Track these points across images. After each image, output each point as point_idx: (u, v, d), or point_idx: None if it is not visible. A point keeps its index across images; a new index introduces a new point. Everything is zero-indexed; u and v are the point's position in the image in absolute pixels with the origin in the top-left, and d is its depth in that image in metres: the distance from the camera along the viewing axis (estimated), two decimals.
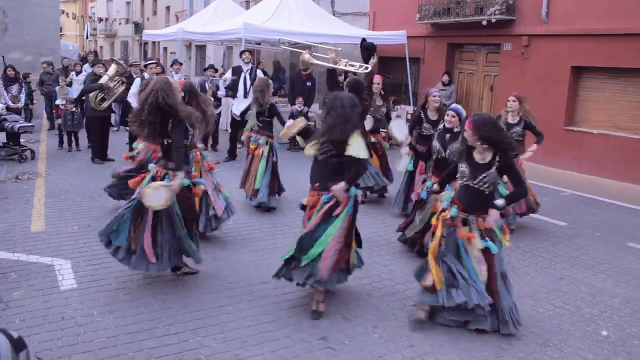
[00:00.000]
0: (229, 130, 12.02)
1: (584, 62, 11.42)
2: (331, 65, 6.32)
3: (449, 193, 4.97)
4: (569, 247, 6.88)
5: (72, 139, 11.84)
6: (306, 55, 6.34)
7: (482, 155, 4.51)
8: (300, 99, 13.25)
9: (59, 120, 11.84)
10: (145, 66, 10.86)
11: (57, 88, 12.42)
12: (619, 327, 4.86)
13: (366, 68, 6.41)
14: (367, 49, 6.55)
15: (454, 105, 6.45)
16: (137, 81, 10.42)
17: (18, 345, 1.60)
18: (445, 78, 13.67)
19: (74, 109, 11.48)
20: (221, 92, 12.15)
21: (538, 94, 11.63)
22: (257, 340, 4.35)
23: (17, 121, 10.81)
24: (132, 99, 10.18)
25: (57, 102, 11.91)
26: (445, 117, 6.30)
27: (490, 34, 12.95)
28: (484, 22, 12.59)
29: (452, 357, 4.25)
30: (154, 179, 5.08)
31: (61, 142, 11.97)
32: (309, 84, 13.76)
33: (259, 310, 4.83)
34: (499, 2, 12.41)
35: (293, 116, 13.10)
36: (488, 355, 4.28)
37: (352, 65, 6.42)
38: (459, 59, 14.67)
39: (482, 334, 4.58)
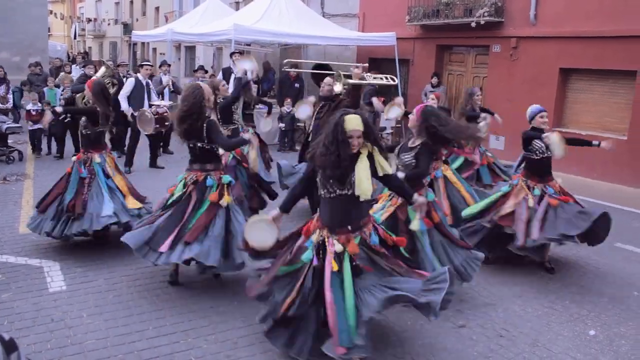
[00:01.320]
0: None
1: (572, 64, 11.52)
2: (359, 81, 6.35)
3: None
4: (557, 247, 6.89)
5: (57, 142, 11.40)
6: (340, 83, 6.36)
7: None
8: (289, 100, 13.27)
9: (29, 126, 11.29)
10: (140, 66, 10.86)
11: (45, 89, 12.34)
12: (607, 326, 4.91)
13: (393, 79, 6.52)
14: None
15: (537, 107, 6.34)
16: (130, 81, 10.43)
17: (9, 346, 1.59)
18: (434, 80, 13.72)
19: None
20: None
21: (526, 96, 11.69)
22: (248, 341, 4.35)
23: (4, 122, 10.74)
24: (123, 100, 10.16)
25: (28, 107, 11.41)
26: (540, 119, 6.21)
27: (479, 36, 13.01)
28: (473, 24, 12.65)
29: (443, 357, 4.27)
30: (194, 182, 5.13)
31: (34, 148, 11.40)
32: (297, 85, 13.76)
33: (251, 311, 4.81)
34: (487, 4, 12.49)
35: (282, 118, 13.14)
36: (478, 356, 4.31)
37: (379, 79, 6.50)
38: (448, 60, 14.74)
39: (472, 334, 4.62)
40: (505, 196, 6.09)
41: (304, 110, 7.12)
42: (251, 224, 4.08)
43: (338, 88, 6.45)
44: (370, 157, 3.76)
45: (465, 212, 6.13)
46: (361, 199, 3.71)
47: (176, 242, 4.90)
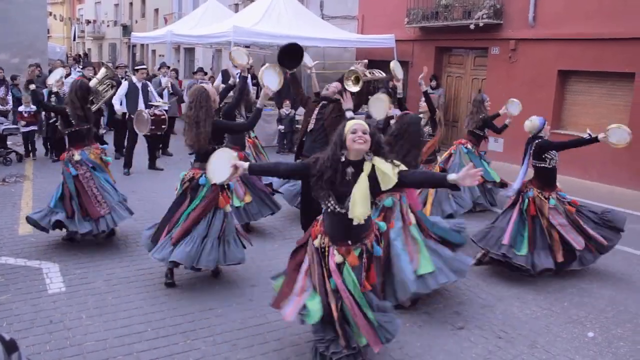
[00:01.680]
0: None
1: (571, 66, 11.54)
2: (366, 77, 6.33)
3: None
4: None
5: (51, 145, 11.14)
6: (351, 79, 6.21)
7: None
8: (288, 102, 13.27)
9: (24, 129, 11.01)
10: (137, 70, 10.85)
11: (44, 90, 12.31)
12: (605, 328, 4.92)
13: (381, 73, 6.55)
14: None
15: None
16: (124, 84, 10.42)
17: (10, 347, 1.60)
18: (433, 83, 13.72)
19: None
20: None
21: (525, 98, 11.67)
22: (247, 343, 4.35)
23: (2, 123, 10.72)
24: (117, 102, 10.16)
25: (20, 108, 11.17)
26: (548, 127, 6.24)
27: (478, 38, 13.04)
28: (472, 26, 12.68)
29: (441, 358, 4.28)
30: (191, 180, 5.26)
31: (27, 151, 11.17)
32: None
33: (249, 313, 4.84)
34: (486, 6, 12.51)
35: (281, 120, 13.15)
36: (476, 357, 4.32)
37: (372, 73, 6.50)
38: (447, 62, 14.76)
39: (470, 336, 4.63)
40: (528, 212, 6.03)
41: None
42: (222, 152, 3.93)
43: (354, 88, 6.17)
44: (372, 175, 3.56)
45: (518, 254, 5.87)
46: (354, 223, 3.57)
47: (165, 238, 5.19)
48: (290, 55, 6.57)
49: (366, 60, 7.19)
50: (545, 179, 6.11)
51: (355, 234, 3.72)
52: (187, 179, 5.25)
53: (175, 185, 5.45)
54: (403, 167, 3.63)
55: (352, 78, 6.14)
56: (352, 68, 6.26)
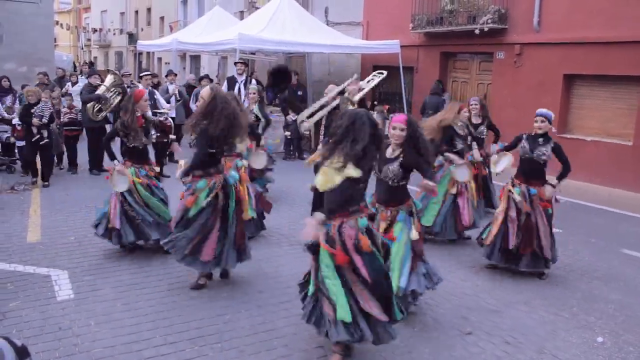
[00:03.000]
0: None
1: (576, 70, 11.53)
2: (360, 93, 6.42)
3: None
4: (563, 253, 6.87)
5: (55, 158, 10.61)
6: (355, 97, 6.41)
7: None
8: None
9: (19, 143, 10.27)
10: (141, 77, 10.89)
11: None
12: (615, 333, 4.89)
13: (381, 73, 6.62)
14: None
15: (540, 110, 6.36)
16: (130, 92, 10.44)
17: (22, 353, 1.62)
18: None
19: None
20: None
21: (531, 102, 11.72)
22: (254, 349, 4.36)
23: (6, 131, 10.76)
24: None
25: (14, 121, 10.23)
26: (536, 123, 6.24)
27: (483, 43, 13.05)
28: (477, 31, 12.69)
29: None
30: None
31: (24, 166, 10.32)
32: (299, 92, 13.75)
33: (257, 320, 4.84)
34: (491, 11, 12.53)
35: (288, 126, 13.17)
36: None
37: (371, 80, 6.57)
38: (452, 67, 14.78)
39: (478, 341, 4.62)
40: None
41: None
42: None
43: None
44: None
45: None
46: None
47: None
48: (279, 78, 6.77)
49: (356, 75, 7.25)
50: (518, 168, 6.20)
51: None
52: (218, 187, 5.24)
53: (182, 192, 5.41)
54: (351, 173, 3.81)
55: (349, 104, 6.36)
56: (345, 95, 6.41)
